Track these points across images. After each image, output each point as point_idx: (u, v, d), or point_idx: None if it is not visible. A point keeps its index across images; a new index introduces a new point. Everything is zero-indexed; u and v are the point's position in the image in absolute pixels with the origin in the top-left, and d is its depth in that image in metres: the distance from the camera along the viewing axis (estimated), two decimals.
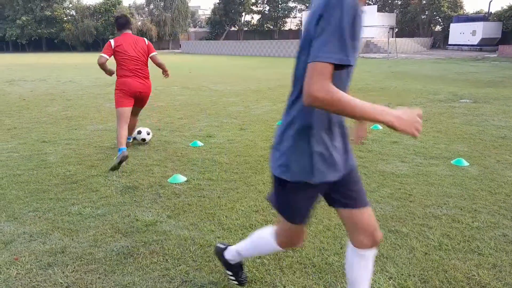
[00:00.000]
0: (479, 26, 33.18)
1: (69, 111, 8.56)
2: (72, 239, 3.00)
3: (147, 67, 5.26)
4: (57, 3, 53.02)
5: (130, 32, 5.25)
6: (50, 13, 51.55)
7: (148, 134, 5.73)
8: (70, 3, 55.50)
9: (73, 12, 54.94)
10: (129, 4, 56.29)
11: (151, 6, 57.30)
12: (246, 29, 60.03)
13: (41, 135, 6.30)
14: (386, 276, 2.53)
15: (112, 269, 2.62)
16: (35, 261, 2.72)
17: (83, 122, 7.34)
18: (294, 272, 2.58)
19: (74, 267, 2.65)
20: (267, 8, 58.75)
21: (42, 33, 52.22)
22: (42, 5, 51.76)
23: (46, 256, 2.77)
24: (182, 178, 4.26)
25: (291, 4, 58.78)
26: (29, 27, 51.65)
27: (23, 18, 51.05)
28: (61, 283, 2.48)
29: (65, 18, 53.92)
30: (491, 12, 36.80)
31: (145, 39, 5.39)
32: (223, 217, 3.36)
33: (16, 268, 2.63)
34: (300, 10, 57.66)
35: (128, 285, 2.46)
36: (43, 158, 5.08)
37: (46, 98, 10.50)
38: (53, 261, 2.71)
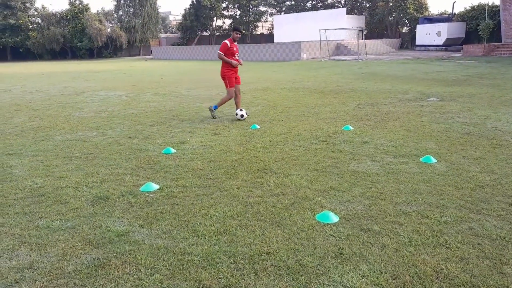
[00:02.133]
0: (444, 27, 34.30)
1: (35, 121, 8.31)
2: (40, 254, 2.91)
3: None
4: (22, 11, 51.39)
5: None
6: (14, 21, 49.91)
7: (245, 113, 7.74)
8: (35, 10, 53.95)
9: (38, 20, 53.41)
10: (97, 11, 55.07)
11: (120, 13, 56.39)
12: (218, 33, 59.95)
13: (6, 148, 6.09)
14: (359, 274, 2.57)
15: (82, 283, 2.55)
16: (0, 278, 2.62)
17: (50, 133, 7.14)
18: (269, 275, 2.59)
19: (43, 283, 2.56)
20: (238, 12, 58.91)
21: (7, 41, 50.47)
22: (5, 13, 50.05)
23: (13, 273, 2.68)
24: (154, 186, 4.20)
25: (262, 8, 59.19)
26: None
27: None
28: None
29: (30, 26, 52.33)
30: (455, 13, 38.13)
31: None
32: (197, 224, 3.34)
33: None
34: (271, 14, 58.09)
35: None
36: (9, 171, 4.90)
37: (11, 108, 10.16)
38: (20, 278, 2.62)
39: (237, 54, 7.81)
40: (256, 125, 7.21)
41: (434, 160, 4.84)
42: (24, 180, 4.56)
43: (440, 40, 34.71)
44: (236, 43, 7.82)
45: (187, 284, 2.51)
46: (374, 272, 2.59)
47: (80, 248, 2.99)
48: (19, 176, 4.69)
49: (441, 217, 3.34)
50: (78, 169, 4.92)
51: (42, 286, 2.53)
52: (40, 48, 51.37)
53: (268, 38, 54.85)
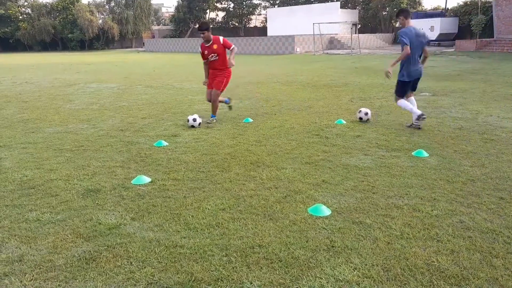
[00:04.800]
0: (437, 22, 34.37)
1: (25, 113, 8.20)
2: (30, 247, 2.88)
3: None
4: (11, 1, 50.55)
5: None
6: (3, 12, 49.09)
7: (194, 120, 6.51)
8: (25, 1, 53.07)
9: (28, 10, 52.54)
10: (89, 2, 54.35)
11: (112, 4, 55.67)
12: (211, 26, 59.59)
13: None
14: (351, 267, 2.58)
15: (73, 276, 2.53)
16: None
17: (41, 125, 7.05)
18: (261, 268, 2.59)
19: (33, 276, 2.54)
20: (232, 5, 58.48)
21: None
22: None
23: (2, 266, 2.64)
24: (146, 179, 4.17)
25: (255, 1, 58.82)
26: None
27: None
28: None
29: (20, 17, 51.50)
30: (448, 8, 38.24)
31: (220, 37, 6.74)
32: (189, 217, 3.32)
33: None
34: (265, 7, 57.76)
35: None
36: None
37: (0, 100, 10.02)
38: (9, 271, 2.59)
39: (211, 55, 6.63)
40: (249, 118, 7.19)
41: (426, 154, 4.87)
42: (14, 172, 4.50)
43: (433, 35, 34.78)
44: (211, 44, 6.57)
45: (179, 277, 2.50)
46: (366, 264, 2.60)
47: (70, 241, 2.96)
48: (8, 169, 4.63)
49: (432, 210, 3.37)
50: (69, 162, 4.86)
51: (32, 279, 2.50)
52: (30, 39, 50.62)
53: (261, 31, 54.58)
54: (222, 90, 6.88)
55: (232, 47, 6.66)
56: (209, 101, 7.00)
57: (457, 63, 18.68)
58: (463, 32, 34.86)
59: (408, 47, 5.86)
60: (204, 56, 6.74)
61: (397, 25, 45.84)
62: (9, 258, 2.74)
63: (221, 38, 6.64)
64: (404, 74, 6.23)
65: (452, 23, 35.15)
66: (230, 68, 6.84)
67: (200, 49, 6.76)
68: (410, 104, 6.32)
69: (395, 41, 42.26)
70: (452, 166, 4.46)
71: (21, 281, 2.48)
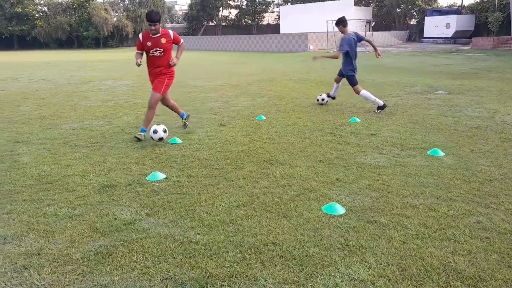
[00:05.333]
0: (452, 19, 33.87)
1: (43, 110, 8.33)
2: (48, 241, 2.93)
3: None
4: None
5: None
6: (21, 10, 49.88)
7: (165, 132, 5.52)
8: None
9: (45, 9, 53.29)
10: (104, 0, 54.97)
11: (126, 2, 56.17)
12: (224, 24, 59.59)
13: (14, 135, 6.12)
14: (366, 266, 2.57)
15: (90, 270, 2.57)
16: (10, 264, 2.64)
17: (57, 121, 7.16)
18: (275, 265, 2.59)
19: (51, 269, 2.58)
20: (245, 2, 58.47)
21: (13, 30, 50.49)
22: (12, 1, 50.07)
23: (22, 259, 2.70)
24: (161, 176, 4.21)
25: None
26: None
27: None
28: (38, 285, 2.42)
29: (36, 15, 52.27)
30: (464, 5, 37.65)
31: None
32: (204, 214, 3.34)
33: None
34: (278, 5, 57.59)
35: (107, 285, 2.42)
36: (16, 159, 4.93)
37: (18, 97, 10.20)
38: (28, 264, 2.64)
39: (156, 50, 5.56)
40: (262, 116, 7.19)
41: (441, 153, 4.81)
42: (32, 167, 4.58)
43: (449, 33, 34.30)
44: (158, 37, 5.53)
45: (193, 273, 2.52)
46: (381, 264, 2.58)
47: (87, 235, 3.00)
48: (26, 164, 4.72)
49: (448, 210, 3.32)
50: (85, 158, 4.93)
51: (50, 272, 2.55)
52: (46, 37, 51.36)
53: (274, 29, 54.47)
54: (164, 93, 5.83)
55: (181, 43, 5.84)
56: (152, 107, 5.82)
57: (473, 61, 18.37)
58: (480, 29, 34.27)
59: (341, 53, 7.46)
60: (143, 47, 5.61)
61: (412, 22, 45.28)
62: (28, 251, 2.79)
63: (171, 32, 5.69)
64: (352, 69, 7.62)
65: (468, 21, 34.58)
66: (173, 68, 5.84)
67: (140, 38, 5.60)
68: (371, 95, 7.58)
69: (410, 38, 41.77)
70: (469, 166, 4.39)
71: (39, 274, 2.53)
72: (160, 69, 5.73)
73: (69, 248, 2.82)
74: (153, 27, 5.42)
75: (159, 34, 5.53)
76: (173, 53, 5.77)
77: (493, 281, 2.39)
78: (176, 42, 5.75)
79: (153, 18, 5.39)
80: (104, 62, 23.36)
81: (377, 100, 7.41)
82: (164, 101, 6.08)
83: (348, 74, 7.65)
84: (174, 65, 5.68)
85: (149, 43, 5.53)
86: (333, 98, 8.31)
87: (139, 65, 5.50)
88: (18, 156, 5.02)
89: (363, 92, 7.52)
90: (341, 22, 7.45)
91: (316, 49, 32.57)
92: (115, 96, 10.14)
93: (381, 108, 7.36)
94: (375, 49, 7.78)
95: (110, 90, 11.21)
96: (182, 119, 6.40)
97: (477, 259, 2.62)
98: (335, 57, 7.48)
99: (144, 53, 5.69)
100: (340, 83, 8.24)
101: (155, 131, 5.41)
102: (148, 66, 5.78)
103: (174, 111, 6.29)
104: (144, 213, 3.36)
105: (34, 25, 51.17)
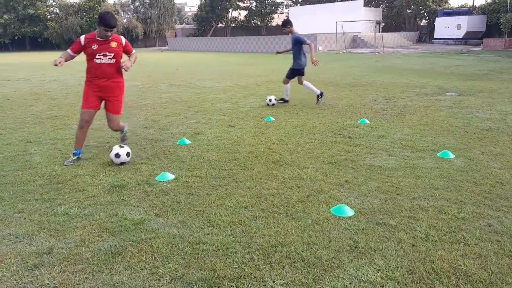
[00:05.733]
0: (464, 20, 33.54)
1: (54, 110, 8.44)
2: (59, 240, 2.97)
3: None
4: (40, 1, 52.06)
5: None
6: (33, 11, 50.61)
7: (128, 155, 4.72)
8: (53, 1, 54.56)
9: (56, 10, 54.01)
10: (114, 1, 55.47)
11: (137, 3, 56.65)
12: (233, 25, 59.75)
13: (26, 135, 6.20)
14: (374, 268, 2.55)
15: (100, 269, 2.60)
16: (21, 262, 2.68)
17: (68, 122, 7.24)
18: (283, 266, 2.59)
19: (61, 268, 2.61)
20: (254, 4, 58.55)
21: (26, 31, 51.25)
22: (24, 3, 50.81)
23: (32, 258, 2.74)
24: (170, 176, 4.23)
25: (278, 0, 58.68)
26: (12, 25, 50.65)
27: (5, 16, 50.01)
28: (48, 284, 2.45)
29: (48, 16, 53.00)
30: (475, 5, 37.26)
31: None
32: (212, 214, 3.35)
33: (1, 271, 2.59)
34: (287, 6, 57.58)
35: (116, 284, 2.44)
36: (28, 158, 5.00)
37: (30, 97, 10.34)
38: (39, 262, 2.68)
39: (105, 55, 4.60)
40: (271, 117, 7.19)
41: (452, 156, 4.76)
42: (43, 167, 4.64)
43: (460, 34, 33.97)
44: (108, 41, 4.62)
45: (202, 273, 2.53)
46: (390, 266, 2.57)
47: (97, 235, 3.03)
48: (38, 164, 4.78)
49: (459, 213, 3.29)
50: (95, 158, 4.98)
51: (60, 271, 2.58)
52: (58, 38, 52.02)
53: None
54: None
55: (133, 52, 5.01)
56: (84, 126, 4.84)
57: (484, 62, 18.16)
58: (491, 30, 33.90)
59: (309, 41, 8.01)
60: (82, 51, 4.61)
61: (423, 23, 44.94)
62: (39, 250, 2.83)
63: (123, 38, 4.88)
64: (299, 63, 8.24)
65: (479, 21, 34.22)
66: (123, 78, 5.03)
67: (82, 40, 4.58)
68: (287, 91, 8.63)
69: (420, 40, 41.45)
70: (480, 168, 4.35)
71: (50, 273, 2.56)
72: (109, 82, 4.72)
73: (79, 248, 2.85)
74: (109, 33, 4.55)
75: (110, 38, 4.63)
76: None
77: (504, 285, 2.37)
78: (127, 51, 4.87)
79: (111, 23, 4.48)
80: None
81: (286, 97, 8.59)
82: (117, 125, 5.08)
83: (301, 67, 8.27)
84: (127, 69, 4.69)
85: (95, 46, 4.52)
86: (321, 95, 8.54)
87: (56, 65, 4.34)
88: (30, 156, 5.09)
89: (287, 86, 8.53)
90: (289, 23, 8.29)
91: (325, 50, 32.48)
92: (125, 97, 10.19)
93: (283, 100, 8.49)
94: (311, 54, 8.03)
95: None
96: (121, 133, 5.44)
97: (487, 262, 2.59)
98: (311, 45, 8.00)
99: (83, 58, 4.67)
100: (304, 81, 8.49)
101: (117, 155, 4.59)
102: (90, 75, 4.68)
103: (80, 140, 4.87)
104: (153, 213, 3.39)
105: (46, 27, 51.85)
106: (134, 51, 5.08)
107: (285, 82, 8.51)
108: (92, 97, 4.75)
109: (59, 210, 3.46)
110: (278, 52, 9.25)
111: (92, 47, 4.55)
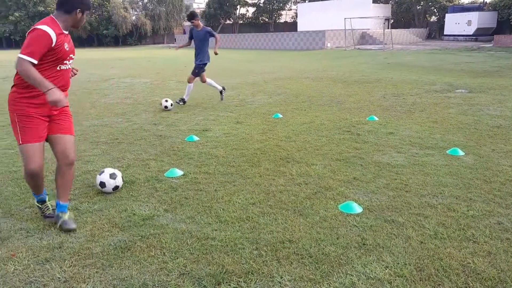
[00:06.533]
0: (474, 16, 33.13)
1: None
2: (69, 235, 3.00)
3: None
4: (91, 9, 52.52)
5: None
6: (43, 9, 50.97)
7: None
8: None
9: None
10: None
11: (145, 0, 56.85)
12: (241, 22, 59.65)
13: None
14: (383, 265, 2.55)
15: (109, 263, 2.63)
16: (32, 256, 2.72)
17: (78, 118, 7.30)
18: (291, 263, 2.60)
19: (72, 262, 2.65)
20: (262, 0, 58.37)
21: None
22: (35, 0, 51.25)
23: (44, 252, 2.78)
24: (178, 172, 4.26)
25: None
26: (22, 23, 51.09)
27: (16, 14, 50.49)
28: (59, 277, 2.49)
29: None
30: (486, 1, 36.78)
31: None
32: (220, 210, 3.37)
33: (13, 264, 2.63)
34: (295, 2, 57.33)
35: (125, 278, 2.47)
36: None
37: None
38: (50, 256, 2.71)
39: (70, 58, 3.07)
40: (279, 114, 7.19)
41: (461, 153, 4.72)
42: (53, 163, 4.66)
43: (470, 30, 33.57)
44: (69, 36, 3.07)
45: (210, 269, 2.55)
46: (398, 263, 2.56)
47: (107, 230, 3.07)
48: (49, 160, 4.81)
49: (468, 210, 3.27)
50: (104, 154, 5.03)
51: (71, 265, 2.62)
52: None
53: (291, 26, 54.22)
54: None
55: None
56: (36, 174, 3.09)
57: (495, 58, 17.94)
58: (502, 26, 33.44)
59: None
60: (51, 53, 2.86)
61: (432, 19, 44.48)
62: (49, 244, 2.87)
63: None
64: (204, 59, 8.25)
65: (490, 17, 33.77)
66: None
67: (48, 33, 2.79)
68: (189, 91, 8.35)
69: (430, 36, 41.04)
70: (490, 166, 4.31)
71: (61, 267, 2.59)
72: (66, 93, 3.15)
73: (89, 242, 2.89)
74: (84, 19, 3.05)
75: (68, 32, 3.03)
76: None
77: None
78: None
79: (85, 3, 3.00)
80: (123, 60, 23.70)
81: (186, 96, 8.30)
82: (74, 152, 3.28)
83: (204, 63, 8.26)
84: (74, 74, 3.49)
85: (67, 46, 2.96)
86: (223, 90, 8.76)
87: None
88: None
89: (190, 85, 8.25)
90: (197, 15, 8.10)
91: (333, 46, 32.32)
92: (134, 93, 10.28)
93: (182, 101, 8.25)
94: (217, 46, 8.28)
95: (129, 88, 11.36)
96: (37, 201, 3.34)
97: (497, 260, 2.57)
98: (218, 39, 8.24)
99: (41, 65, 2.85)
100: (207, 79, 8.54)
101: (112, 175, 3.73)
102: (32, 87, 2.89)
103: (68, 187, 3.23)
104: (162, 209, 3.41)
105: None
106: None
107: (191, 81, 8.24)
108: (41, 124, 3.02)
109: (69, 206, 3.50)
110: (179, 47, 9.16)
111: (65, 46, 2.94)
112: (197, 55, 8.20)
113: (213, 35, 8.08)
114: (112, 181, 3.72)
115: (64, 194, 3.17)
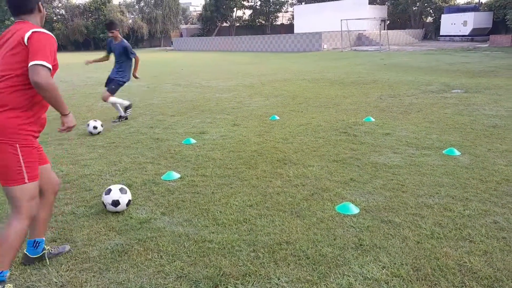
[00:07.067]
0: (470, 17, 33.29)
1: None
2: (66, 239, 3.00)
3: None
4: (46, 2, 52.39)
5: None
6: None
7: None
8: (59, 2, 54.91)
9: (62, 12, 54.39)
10: (119, 2, 55.71)
11: (142, 4, 56.83)
12: (238, 24, 59.75)
13: None
14: (379, 265, 2.56)
15: (106, 267, 2.62)
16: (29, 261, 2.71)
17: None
18: (288, 264, 2.60)
19: (69, 266, 2.64)
20: (259, 3, 58.50)
21: None
22: None
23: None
24: (175, 175, 4.26)
25: None
26: None
27: (12, 18, 50.49)
28: (56, 282, 2.48)
29: (54, 18, 53.38)
30: (481, 2, 36.94)
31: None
32: (217, 213, 3.37)
33: (10, 269, 2.62)
34: (292, 4, 57.46)
35: (123, 282, 2.47)
36: None
37: None
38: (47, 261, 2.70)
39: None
40: (276, 116, 7.20)
41: (457, 153, 4.74)
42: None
43: (466, 30, 33.72)
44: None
45: (207, 271, 2.55)
46: (395, 263, 2.57)
47: (103, 234, 3.06)
48: None
49: (464, 210, 3.28)
50: (101, 158, 5.02)
51: (68, 269, 2.61)
52: (64, 39, 52.33)
53: (288, 28, 54.37)
54: None
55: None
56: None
57: (491, 59, 18.02)
58: (498, 27, 33.61)
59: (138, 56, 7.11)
60: (56, 64, 2.42)
61: (428, 20, 44.64)
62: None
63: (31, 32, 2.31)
64: (127, 76, 7.16)
65: (486, 18, 33.94)
66: None
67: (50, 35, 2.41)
68: (119, 101, 7.24)
69: (426, 37, 41.18)
70: (486, 165, 4.33)
71: (57, 272, 2.59)
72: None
73: (86, 246, 2.88)
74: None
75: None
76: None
77: (510, 282, 2.36)
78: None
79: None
80: None
81: (123, 112, 7.21)
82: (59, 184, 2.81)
83: (125, 81, 7.14)
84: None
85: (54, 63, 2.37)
86: (126, 118, 7.32)
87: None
88: None
89: (113, 99, 7.03)
90: (117, 26, 7.05)
91: (330, 48, 32.40)
92: (131, 97, 10.26)
93: (124, 118, 7.24)
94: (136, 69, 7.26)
95: (126, 91, 11.35)
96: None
97: (493, 259, 2.58)
98: (138, 60, 7.16)
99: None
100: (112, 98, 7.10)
101: (115, 203, 3.37)
102: (37, 109, 2.43)
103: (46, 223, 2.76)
104: (159, 212, 3.41)
105: (52, 28, 52.14)
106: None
107: (106, 99, 6.97)
108: (40, 155, 2.61)
109: (66, 210, 3.50)
110: (89, 62, 7.48)
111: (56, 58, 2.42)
112: (120, 70, 7.06)
113: (131, 53, 6.95)
114: (124, 196, 3.38)
115: (45, 228, 2.72)
